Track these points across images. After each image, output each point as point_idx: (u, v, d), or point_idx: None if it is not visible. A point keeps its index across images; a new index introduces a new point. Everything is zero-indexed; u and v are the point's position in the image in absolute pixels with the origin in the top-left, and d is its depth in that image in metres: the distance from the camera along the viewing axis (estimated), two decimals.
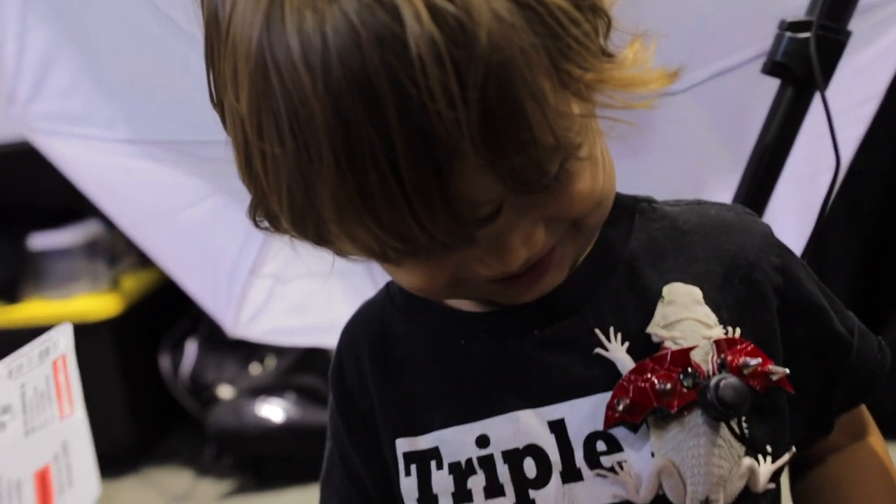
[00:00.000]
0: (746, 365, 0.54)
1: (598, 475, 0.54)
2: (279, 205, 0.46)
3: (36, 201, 2.26)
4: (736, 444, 0.55)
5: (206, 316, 2.26)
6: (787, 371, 0.55)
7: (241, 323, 1.25)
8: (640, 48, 0.51)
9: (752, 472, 0.56)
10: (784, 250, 0.60)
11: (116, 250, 2.31)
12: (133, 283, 2.35)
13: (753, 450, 0.55)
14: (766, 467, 0.56)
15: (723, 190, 0.88)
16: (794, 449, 0.58)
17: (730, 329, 0.56)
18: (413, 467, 0.59)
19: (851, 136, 1.01)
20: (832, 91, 0.93)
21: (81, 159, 1.12)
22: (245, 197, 1.07)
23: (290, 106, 0.42)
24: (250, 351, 2.25)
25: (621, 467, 0.54)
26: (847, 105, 0.97)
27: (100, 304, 2.24)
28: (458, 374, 0.58)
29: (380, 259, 0.50)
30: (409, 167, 0.41)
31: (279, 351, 2.23)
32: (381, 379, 0.61)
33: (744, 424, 0.55)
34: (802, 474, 0.65)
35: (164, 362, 2.32)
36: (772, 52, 0.81)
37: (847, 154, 1.04)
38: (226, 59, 0.45)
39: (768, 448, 0.56)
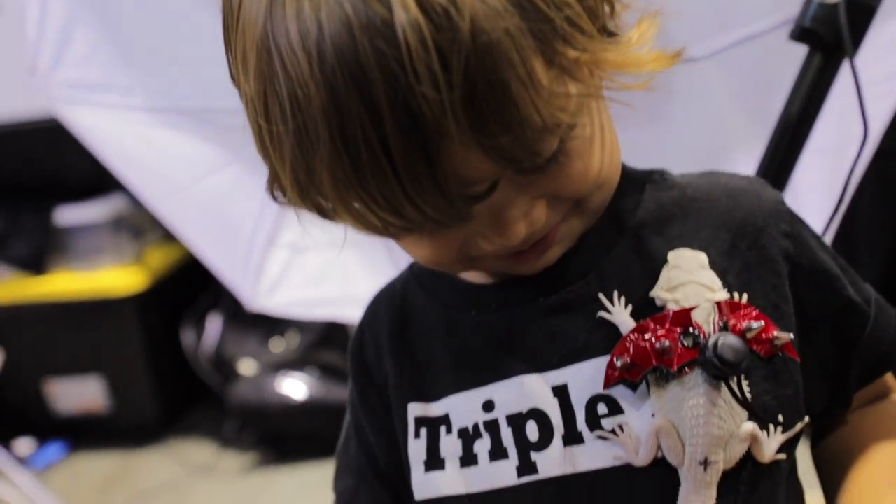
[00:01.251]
0: (749, 328, 0.53)
1: (599, 437, 0.54)
2: (287, 182, 0.49)
3: (62, 176, 2.28)
4: (737, 406, 0.54)
5: (228, 291, 2.29)
6: (791, 336, 0.55)
7: (260, 294, 1.24)
8: (648, 28, 0.52)
9: (755, 440, 0.54)
10: (794, 218, 0.59)
11: (141, 225, 2.33)
12: (158, 257, 2.37)
13: (761, 419, 0.54)
14: (774, 437, 0.55)
15: (746, 160, 0.86)
16: (806, 419, 0.57)
17: (735, 295, 0.55)
18: (423, 430, 0.60)
19: (882, 111, 0.97)
20: (862, 60, 0.90)
21: (103, 129, 1.12)
22: (261, 165, 1.07)
23: (290, 89, 0.44)
24: (272, 326, 2.26)
25: (622, 430, 0.54)
26: (878, 76, 0.94)
27: (125, 278, 2.27)
28: (468, 343, 0.60)
29: (382, 234, 0.51)
30: (398, 146, 0.43)
31: (301, 326, 2.24)
32: (398, 350, 0.63)
33: (745, 387, 0.54)
34: (825, 436, 0.64)
35: (187, 337, 2.34)
36: (800, 17, 0.78)
37: (877, 129, 1.01)
38: (237, 43, 0.48)
39: (780, 418, 0.55)
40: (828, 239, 1.08)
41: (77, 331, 2.31)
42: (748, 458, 0.54)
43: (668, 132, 0.81)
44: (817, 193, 0.98)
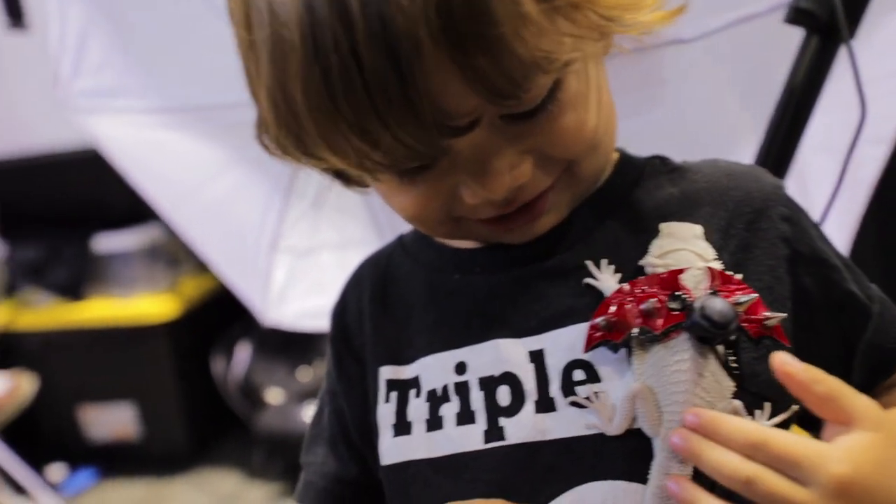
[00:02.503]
0: (739, 301, 0.51)
1: (573, 404, 0.52)
2: (267, 112, 0.48)
3: (101, 205, 2.34)
4: (724, 378, 0.51)
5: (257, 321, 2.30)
6: (784, 316, 0.52)
7: (271, 305, 1.24)
8: None
9: (739, 416, 0.51)
10: (793, 204, 0.57)
11: (176, 254, 2.38)
12: (191, 286, 2.40)
13: (750, 395, 0.51)
14: (760, 420, 0.51)
15: (743, 148, 0.83)
16: (794, 407, 0.52)
17: (730, 273, 0.53)
18: (393, 395, 0.58)
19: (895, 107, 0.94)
20: (872, 53, 0.87)
21: (117, 136, 1.14)
22: (262, 164, 1.08)
23: None
24: (300, 355, 2.26)
25: (597, 397, 0.51)
26: (890, 70, 0.90)
27: (158, 305, 2.30)
28: (448, 305, 0.58)
29: (360, 171, 0.50)
30: (369, 55, 0.42)
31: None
32: (378, 312, 0.61)
33: (732, 363, 0.51)
34: None
35: (217, 365, 2.35)
36: None
37: (890, 128, 0.97)
38: None
39: (767, 403, 0.51)
40: (847, 232, 1.04)
41: (111, 357, 2.34)
42: None
43: (662, 120, 0.79)
44: (829, 190, 0.94)
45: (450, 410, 0.55)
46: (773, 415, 0.51)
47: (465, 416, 0.55)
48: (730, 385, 0.51)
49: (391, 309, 0.61)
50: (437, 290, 0.59)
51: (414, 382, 0.58)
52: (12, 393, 2.09)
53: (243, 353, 2.32)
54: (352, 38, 0.42)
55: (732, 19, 0.80)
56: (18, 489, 2.08)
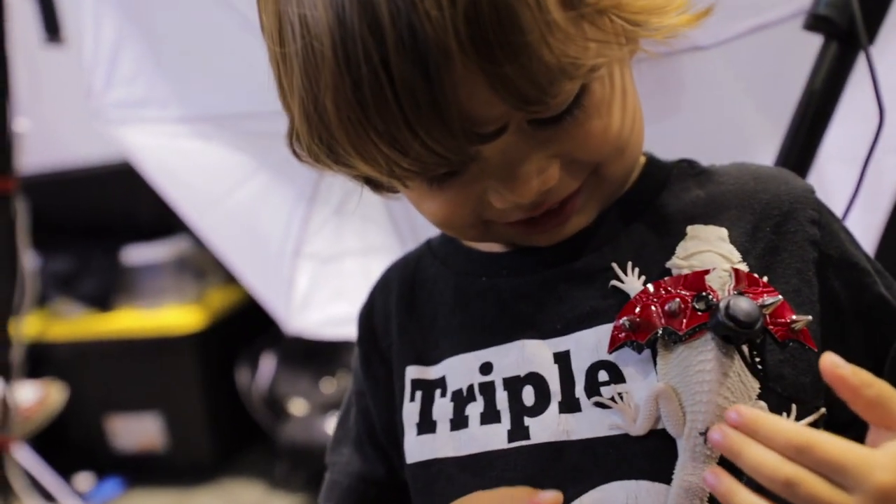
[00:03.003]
0: (765, 303, 0.50)
1: (597, 404, 0.52)
2: (299, 121, 0.49)
3: (131, 217, 2.38)
4: (749, 379, 0.50)
5: (282, 332, 2.32)
6: (810, 318, 0.51)
7: (294, 313, 1.25)
8: None
9: None
10: (823, 208, 0.56)
11: (204, 266, 2.40)
12: (218, 298, 2.43)
13: (776, 395, 0.51)
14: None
15: (762, 155, 0.83)
16: (822, 410, 0.52)
17: (755, 275, 0.52)
18: (418, 394, 0.59)
19: None
20: (892, 62, 0.87)
21: (147, 146, 1.16)
22: (285, 171, 1.09)
23: (301, 12, 0.46)
24: (324, 366, 2.27)
25: (621, 398, 0.52)
26: None
27: (185, 317, 2.32)
28: (474, 307, 0.59)
29: (391, 179, 0.51)
30: (398, 64, 0.43)
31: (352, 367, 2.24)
32: (405, 314, 0.62)
33: (757, 363, 0.51)
34: None
35: (242, 376, 2.37)
36: (813, 5, 0.76)
37: None
38: None
39: (793, 406, 0.51)
40: (869, 241, 1.03)
41: (138, 368, 2.37)
42: None
43: (682, 126, 0.79)
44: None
45: (475, 410, 0.56)
46: (799, 417, 0.51)
47: (490, 416, 0.55)
48: (755, 386, 0.50)
49: (418, 311, 0.61)
50: (463, 292, 0.60)
51: (440, 383, 0.58)
52: (42, 402, 2.11)
53: (268, 365, 2.34)
54: (382, 48, 0.43)
55: (751, 26, 0.80)
56: (47, 497, 2.10)
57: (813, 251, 0.54)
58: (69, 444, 2.41)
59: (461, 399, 0.57)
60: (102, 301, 2.36)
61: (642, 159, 0.60)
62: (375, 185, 0.57)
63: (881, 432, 0.45)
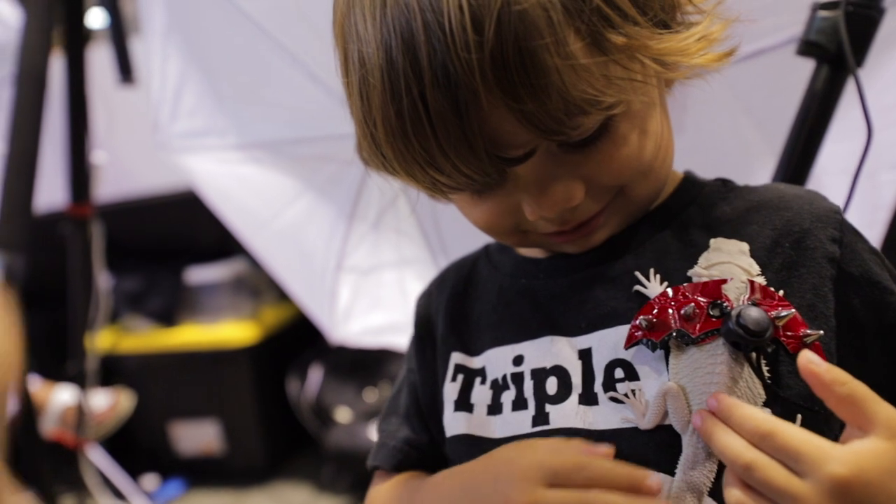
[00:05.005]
0: (779, 316, 0.50)
1: (612, 399, 0.53)
2: (359, 134, 0.53)
3: (194, 241, 2.43)
4: (757, 386, 0.50)
5: (330, 345, 2.34)
6: (822, 333, 0.51)
7: (338, 324, 1.28)
8: (713, 27, 0.52)
9: None
10: (848, 227, 0.55)
11: (259, 286, 2.44)
12: (271, 315, 2.46)
13: (782, 403, 0.50)
14: None
15: (761, 174, 0.84)
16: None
17: (771, 289, 0.52)
18: (460, 377, 0.61)
19: None
20: (885, 83, 0.87)
21: (206, 171, 1.20)
22: (327, 192, 1.12)
23: (360, 48, 0.50)
24: (367, 377, 2.29)
25: (634, 394, 0.52)
26: None
27: (242, 332, 2.36)
28: (513, 305, 0.60)
29: (435, 193, 0.54)
30: (434, 99, 0.46)
31: (393, 378, 2.26)
32: (456, 309, 0.64)
33: (766, 371, 0.50)
34: None
35: (292, 386, 2.39)
36: (805, 32, 0.77)
37: None
38: (334, 25, 0.54)
39: (799, 416, 0.50)
40: None
41: (199, 378, 2.40)
42: None
43: (685, 145, 0.80)
44: (851, 215, 0.93)
45: (508, 398, 0.57)
46: (804, 427, 0.48)
47: (520, 403, 0.57)
48: (762, 393, 0.50)
49: (467, 307, 0.64)
50: (505, 292, 0.62)
51: (480, 372, 0.60)
52: (113, 408, 2.16)
53: (315, 376, 2.36)
54: (421, 84, 0.46)
55: (749, 52, 0.81)
56: (117, 495, 2.14)
57: (831, 268, 0.53)
58: (136, 447, 2.45)
59: (498, 387, 0.58)
60: (167, 317, 2.41)
61: (679, 175, 0.61)
62: (431, 194, 0.59)
63: (854, 431, 0.45)
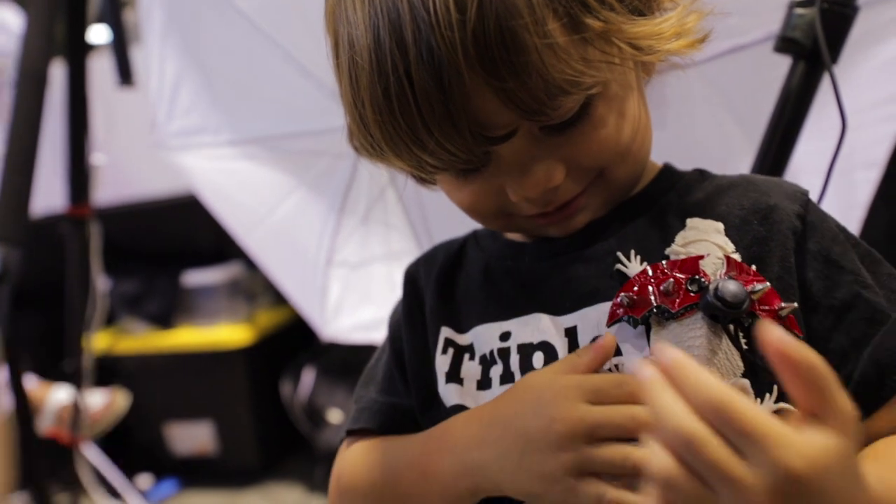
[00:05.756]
0: (754, 290, 0.50)
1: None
2: (350, 121, 0.53)
3: (191, 245, 2.42)
4: (735, 358, 0.50)
5: (322, 348, 2.32)
6: (796, 305, 0.51)
7: (329, 320, 1.26)
8: (688, 16, 0.52)
9: (746, 395, 0.50)
10: (814, 208, 0.55)
11: (254, 289, 2.43)
12: (266, 318, 2.44)
13: (759, 374, 0.50)
14: (767, 404, 0.50)
15: (739, 166, 0.84)
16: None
17: (747, 265, 0.52)
18: (450, 350, 0.60)
19: (883, 134, 0.93)
20: (860, 85, 0.88)
21: (201, 168, 1.20)
22: (318, 184, 1.11)
23: (348, 31, 0.50)
24: (358, 379, 2.26)
25: (617, 368, 0.52)
26: (876, 100, 0.90)
27: (237, 334, 2.34)
28: (499, 285, 0.60)
29: (421, 173, 0.54)
30: (419, 76, 0.46)
31: None
32: (443, 285, 0.64)
33: (743, 343, 0.50)
34: None
35: (285, 388, 2.37)
36: (782, 28, 0.77)
37: (880, 154, 0.97)
38: (326, 14, 0.54)
39: (775, 388, 0.50)
40: None
41: (194, 379, 2.38)
42: None
43: (666, 139, 0.80)
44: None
45: (496, 372, 0.57)
46: (779, 400, 0.49)
47: (507, 377, 0.56)
48: (740, 365, 0.50)
49: (454, 285, 0.63)
50: (491, 273, 0.61)
51: (469, 348, 0.60)
52: (109, 407, 2.14)
53: (308, 378, 2.34)
54: (406, 62, 0.46)
55: (728, 48, 0.81)
56: (112, 493, 2.12)
57: (793, 241, 0.53)
58: (132, 446, 2.42)
59: (486, 363, 0.58)
60: (164, 319, 2.39)
61: (658, 166, 0.61)
62: (418, 179, 0.59)
63: (807, 418, 0.37)
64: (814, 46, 0.75)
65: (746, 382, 0.50)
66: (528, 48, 0.45)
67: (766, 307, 0.50)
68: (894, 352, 0.51)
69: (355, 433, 0.64)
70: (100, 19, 1.58)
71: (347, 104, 0.52)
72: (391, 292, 1.14)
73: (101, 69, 1.60)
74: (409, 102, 0.47)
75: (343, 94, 0.53)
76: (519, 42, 0.45)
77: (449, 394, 0.59)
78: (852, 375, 0.51)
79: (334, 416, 2.26)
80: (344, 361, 2.29)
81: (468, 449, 0.53)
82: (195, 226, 2.24)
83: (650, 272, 0.53)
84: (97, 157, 1.61)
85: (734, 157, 0.89)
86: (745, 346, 0.50)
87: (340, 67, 0.52)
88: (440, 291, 0.63)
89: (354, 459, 0.62)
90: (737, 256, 0.52)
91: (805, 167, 0.86)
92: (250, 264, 2.30)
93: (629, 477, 0.47)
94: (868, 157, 0.94)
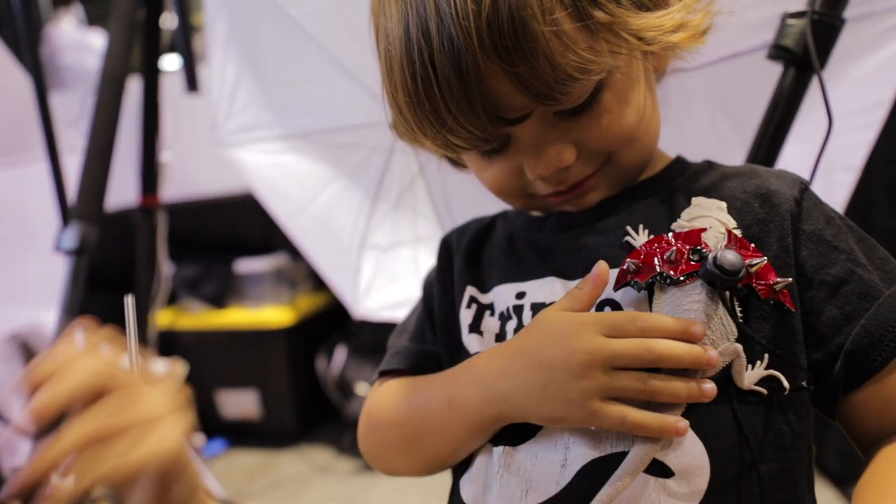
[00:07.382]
0: (751, 264, 0.48)
1: None
2: (389, 107, 0.52)
3: (242, 236, 2.41)
4: (730, 323, 0.48)
5: (353, 330, 2.31)
6: (790, 280, 0.48)
7: (360, 300, 1.24)
8: (687, 11, 0.51)
9: (738, 358, 0.48)
10: (810, 194, 0.53)
11: (296, 277, 2.42)
12: (305, 302, 2.43)
13: (750, 343, 0.47)
14: (758, 370, 0.48)
15: (732, 163, 0.80)
16: (807, 385, 0.48)
17: (747, 241, 0.50)
18: (473, 305, 0.59)
19: (862, 140, 0.89)
20: (843, 92, 0.85)
21: (254, 162, 1.18)
22: (356, 174, 1.09)
23: (386, 24, 0.50)
24: (383, 357, 2.25)
25: None
26: (857, 108, 0.87)
27: (280, 315, 2.33)
28: (520, 252, 0.59)
29: (449, 153, 0.54)
30: (441, 63, 0.46)
31: None
32: (471, 254, 0.63)
33: (738, 310, 0.48)
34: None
35: (320, 364, 2.36)
36: (775, 38, 0.75)
37: (858, 158, 0.93)
38: (371, 15, 0.54)
39: (766, 356, 0.48)
40: None
41: (242, 353, 2.37)
42: (729, 382, 0.47)
43: (667, 136, 0.77)
44: None
45: (511, 326, 0.55)
46: (768, 367, 0.48)
47: (519, 330, 0.54)
48: (734, 330, 0.48)
49: (481, 253, 0.62)
50: (514, 242, 0.60)
51: (490, 306, 0.58)
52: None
53: (340, 356, 2.33)
54: (430, 50, 0.46)
55: (725, 54, 0.78)
56: None
57: (790, 222, 0.51)
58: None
59: (503, 318, 0.56)
60: (218, 301, 2.39)
61: (671, 157, 0.59)
62: (449, 160, 0.59)
63: None
64: (804, 53, 0.72)
65: (739, 347, 0.47)
66: (536, 35, 0.44)
67: (763, 281, 0.48)
68: (886, 324, 0.48)
69: (387, 374, 0.62)
70: (171, 48, 1.57)
71: (386, 90, 0.51)
72: (415, 274, 1.11)
73: (170, 79, 1.60)
74: (432, 86, 0.46)
75: (383, 80, 0.52)
76: (528, 30, 0.44)
77: (471, 343, 0.57)
78: (843, 346, 0.48)
79: (361, 388, 2.24)
80: (372, 342, 2.27)
81: (494, 379, 0.51)
82: (247, 221, 2.25)
83: (656, 243, 0.51)
84: (166, 155, 1.61)
85: (727, 154, 0.86)
86: (740, 316, 0.48)
87: (380, 56, 0.52)
88: (468, 257, 0.62)
89: (385, 394, 0.60)
90: (738, 232, 0.50)
91: (790, 168, 0.83)
92: (294, 256, 2.30)
93: (647, 400, 0.46)
94: (847, 161, 0.91)
